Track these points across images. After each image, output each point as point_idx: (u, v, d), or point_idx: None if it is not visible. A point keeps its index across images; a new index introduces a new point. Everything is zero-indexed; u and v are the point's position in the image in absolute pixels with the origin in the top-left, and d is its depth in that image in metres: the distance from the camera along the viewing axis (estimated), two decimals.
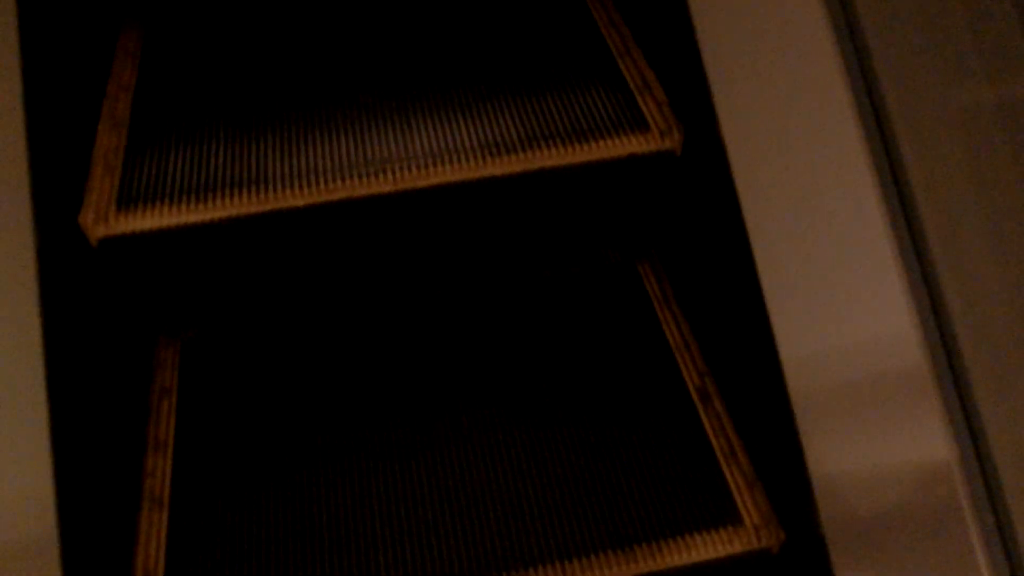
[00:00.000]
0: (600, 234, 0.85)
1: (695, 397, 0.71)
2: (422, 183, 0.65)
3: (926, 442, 0.58)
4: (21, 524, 0.55)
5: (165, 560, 0.63)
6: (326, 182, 0.65)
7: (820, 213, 0.62)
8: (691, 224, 0.78)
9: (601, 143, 0.67)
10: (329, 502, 0.65)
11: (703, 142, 0.66)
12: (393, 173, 0.65)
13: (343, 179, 0.65)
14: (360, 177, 0.65)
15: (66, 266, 0.65)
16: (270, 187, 0.65)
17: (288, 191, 0.65)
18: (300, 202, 0.64)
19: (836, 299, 0.61)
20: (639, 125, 0.68)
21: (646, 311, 0.80)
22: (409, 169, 0.65)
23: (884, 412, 0.59)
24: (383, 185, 0.65)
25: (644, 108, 0.69)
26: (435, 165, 0.65)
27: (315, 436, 0.70)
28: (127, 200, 0.65)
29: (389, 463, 0.67)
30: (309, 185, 0.65)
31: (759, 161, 0.62)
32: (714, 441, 0.68)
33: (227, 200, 0.65)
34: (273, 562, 0.62)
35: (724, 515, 0.64)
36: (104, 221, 0.64)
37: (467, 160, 0.66)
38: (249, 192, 0.65)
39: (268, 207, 0.65)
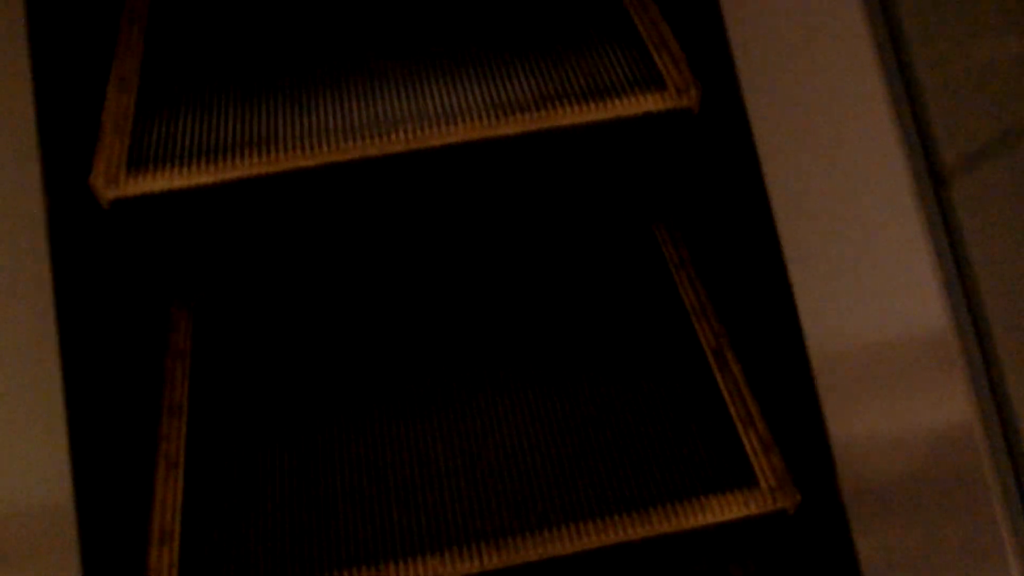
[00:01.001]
0: (616, 196, 0.83)
1: (711, 359, 0.71)
2: (435, 142, 0.64)
3: (949, 407, 0.58)
4: (37, 489, 0.56)
5: (181, 521, 0.63)
6: (337, 142, 0.64)
7: (844, 173, 0.61)
8: (709, 185, 0.77)
9: (616, 101, 0.66)
10: (343, 462, 0.65)
11: (722, 100, 0.65)
12: (405, 133, 0.64)
13: (355, 139, 0.64)
14: (372, 137, 0.64)
15: (77, 229, 0.65)
16: (281, 148, 0.64)
17: (299, 152, 0.64)
18: (311, 162, 0.64)
19: (860, 262, 0.59)
20: (655, 82, 0.67)
21: (662, 274, 0.79)
22: (422, 129, 0.64)
23: (907, 377, 0.58)
24: (395, 145, 0.64)
25: (660, 65, 0.68)
26: (448, 124, 0.64)
27: (329, 397, 0.70)
28: (137, 162, 0.64)
29: (403, 424, 0.67)
30: (320, 145, 0.64)
31: (780, 119, 0.61)
32: (730, 403, 0.68)
33: (238, 161, 0.64)
34: (288, 521, 0.62)
35: (740, 477, 0.63)
36: (115, 183, 0.63)
37: (480, 119, 0.65)
38: (260, 153, 0.64)
39: (279, 168, 0.64)
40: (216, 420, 0.69)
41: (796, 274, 0.60)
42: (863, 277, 0.59)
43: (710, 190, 0.76)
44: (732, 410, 0.67)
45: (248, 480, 0.65)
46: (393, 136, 0.64)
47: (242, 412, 0.70)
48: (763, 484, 0.63)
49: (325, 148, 0.64)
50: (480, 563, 0.60)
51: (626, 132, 0.68)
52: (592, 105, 0.65)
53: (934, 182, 0.62)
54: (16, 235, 0.60)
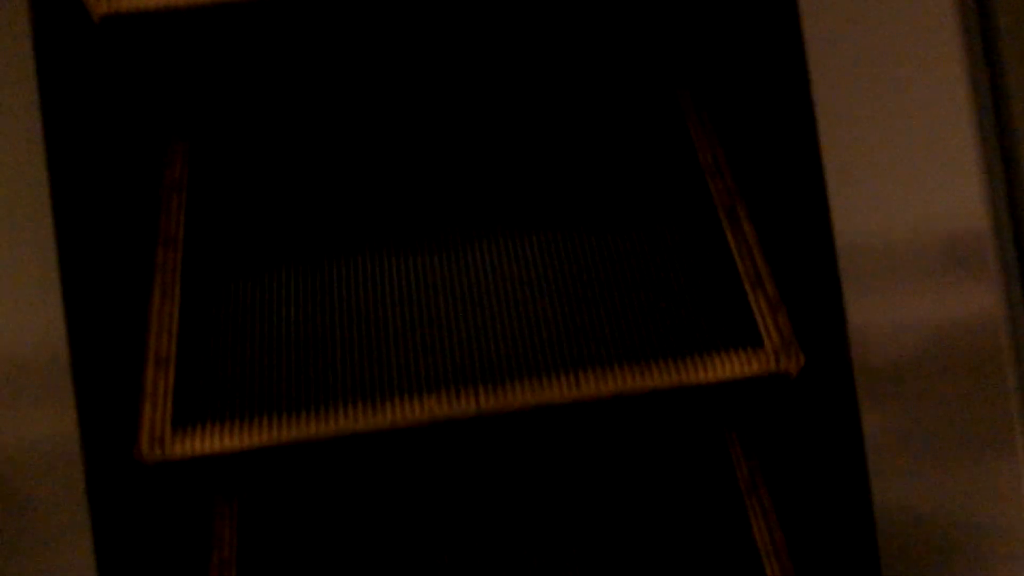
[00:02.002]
0: (640, 58, 0.79)
1: (723, 217, 0.69)
2: None
3: (975, 301, 0.55)
4: (28, 321, 0.54)
5: (177, 348, 0.63)
6: None
7: (890, 49, 0.56)
8: (741, 47, 0.72)
9: None
10: (342, 299, 0.64)
11: None
12: None
13: None
14: None
15: (67, 50, 0.62)
16: None
17: None
18: None
19: (899, 146, 0.56)
20: None
21: (680, 133, 0.76)
22: None
23: (935, 266, 0.56)
24: None
25: None
26: None
27: (329, 232, 0.68)
28: None
29: (405, 264, 0.66)
30: None
31: None
32: (739, 262, 0.66)
33: None
34: (285, 354, 0.62)
35: (744, 336, 0.62)
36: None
37: None
38: None
39: None
40: (212, 253, 0.68)
41: (829, 150, 0.57)
42: (900, 159, 0.56)
43: (742, 52, 0.72)
44: (741, 268, 0.66)
45: (245, 312, 0.64)
46: None
47: (239, 245, 0.68)
48: (767, 344, 0.62)
49: None
50: (476, 405, 0.59)
51: None
52: None
53: (989, 66, 0.58)
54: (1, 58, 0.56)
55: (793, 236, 0.63)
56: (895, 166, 0.56)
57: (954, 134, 0.56)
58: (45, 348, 0.55)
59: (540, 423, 0.69)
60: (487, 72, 0.78)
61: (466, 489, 0.70)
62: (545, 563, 0.66)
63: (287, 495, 0.70)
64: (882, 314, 0.55)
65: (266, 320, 0.63)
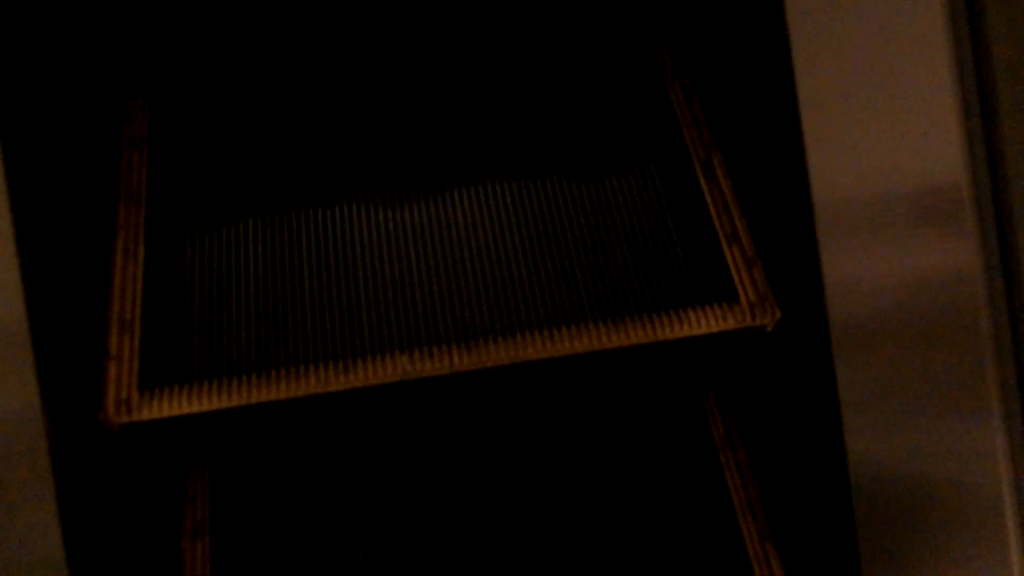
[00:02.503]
0: (619, 12, 0.77)
1: (699, 171, 0.67)
2: None
3: (953, 256, 0.55)
4: None
5: (141, 310, 0.61)
6: None
7: (868, 2, 0.55)
8: (720, 2, 0.71)
9: None
10: (312, 256, 0.63)
11: None
12: None
13: None
14: None
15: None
16: None
17: None
18: None
19: (877, 100, 0.55)
20: None
21: (657, 87, 0.74)
22: None
23: (913, 222, 0.55)
24: None
25: None
26: None
27: (298, 185, 0.66)
28: None
29: (376, 219, 0.64)
30: None
31: None
32: (715, 216, 0.65)
33: None
34: (254, 314, 0.60)
35: (720, 291, 0.62)
36: None
37: None
38: None
39: None
40: (177, 210, 0.66)
41: (807, 104, 0.55)
42: (879, 113, 0.55)
43: (722, 5, 0.71)
44: (716, 223, 0.65)
45: (212, 271, 0.62)
46: None
47: (204, 201, 0.66)
48: (743, 299, 0.61)
49: None
50: (450, 363, 0.58)
51: None
52: None
53: (969, 18, 0.56)
54: None
55: (770, 190, 0.62)
56: (873, 120, 0.55)
57: (932, 88, 0.55)
58: (3, 312, 0.53)
59: (515, 380, 0.68)
60: (462, 18, 0.76)
61: (440, 448, 0.70)
62: (521, 524, 0.66)
63: (260, 456, 0.69)
64: (859, 268, 0.55)
65: (234, 278, 0.62)
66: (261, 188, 0.66)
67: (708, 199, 0.66)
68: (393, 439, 0.70)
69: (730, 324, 0.60)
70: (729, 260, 0.63)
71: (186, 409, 0.58)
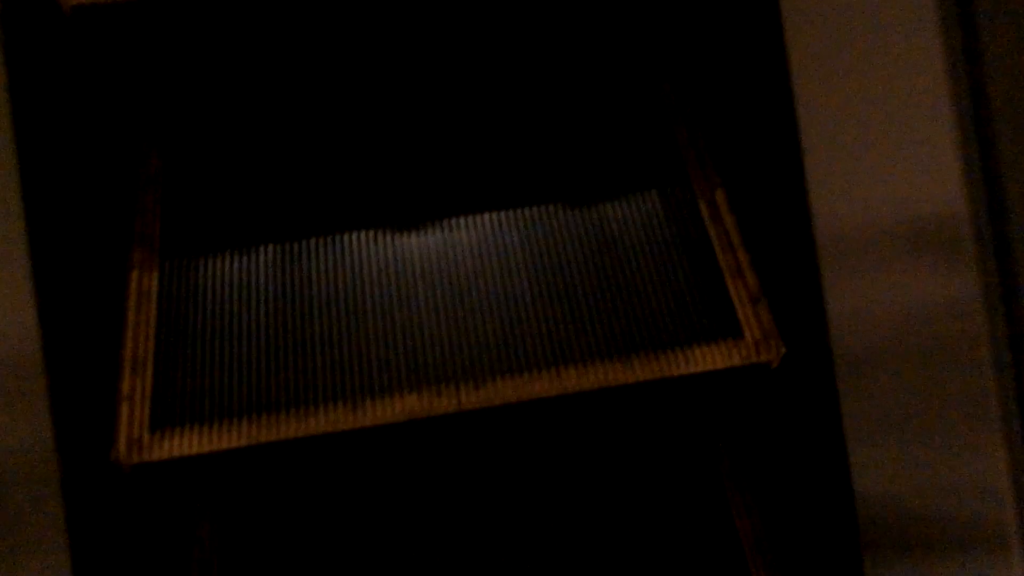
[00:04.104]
0: (626, 50, 0.79)
1: (704, 209, 0.68)
2: None
3: (954, 284, 0.55)
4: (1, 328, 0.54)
5: (154, 349, 0.62)
6: None
7: (869, 36, 0.56)
8: (723, 39, 0.72)
9: None
10: (321, 295, 0.64)
11: None
12: None
13: None
14: None
15: (37, 43, 0.61)
16: None
17: None
18: None
19: (877, 132, 0.56)
20: None
21: (662, 124, 0.75)
22: None
23: (914, 253, 0.56)
24: None
25: None
26: None
27: (306, 226, 0.67)
28: None
29: (382, 256, 0.65)
30: None
31: None
32: (719, 254, 0.66)
33: None
34: (264, 352, 0.61)
35: (725, 328, 0.62)
36: None
37: None
38: None
39: None
40: (189, 249, 0.67)
41: (808, 137, 0.56)
42: (879, 145, 0.56)
43: (726, 45, 0.72)
44: (721, 261, 0.65)
45: (222, 311, 0.63)
46: None
47: (216, 238, 0.67)
48: (748, 336, 0.62)
49: None
50: (458, 402, 0.59)
51: None
52: None
53: (967, 51, 0.57)
54: None
55: (773, 225, 0.63)
56: (873, 153, 0.56)
57: (932, 119, 0.56)
58: (18, 351, 0.54)
59: (522, 418, 0.69)
60: (475, 51, 0.77)
61: (448, 485, 0.70)
62: (530, 562, 0.66)
63: (268, 493, 0.69)
64: (861, 300, 0.55)
65: (244, 318, 0.63)
66: (270, 226, 0.67)
67: (713, 236, 0.67)
68: (401, 477, 0.70)
69: (735, 361, 0.61)
70: (734, 297, 0.63)
71: (196, 449, 0.58)
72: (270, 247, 0.66)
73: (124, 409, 0.59)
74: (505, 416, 0.61)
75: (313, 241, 0.66)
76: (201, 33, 0.70)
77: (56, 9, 0.59)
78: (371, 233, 0.67)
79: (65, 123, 0.68)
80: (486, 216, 0.67)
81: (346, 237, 0.66)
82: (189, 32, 0.69)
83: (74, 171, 0.67)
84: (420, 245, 0.66)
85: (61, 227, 0.61)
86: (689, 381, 0.62)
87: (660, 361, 0.61)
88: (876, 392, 0.55)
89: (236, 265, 0.66)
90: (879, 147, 0.56)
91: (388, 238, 0.66)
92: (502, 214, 0.67)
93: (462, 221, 0.67)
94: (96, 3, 0.59)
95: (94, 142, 0.72)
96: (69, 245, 0.62)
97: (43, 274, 0.56)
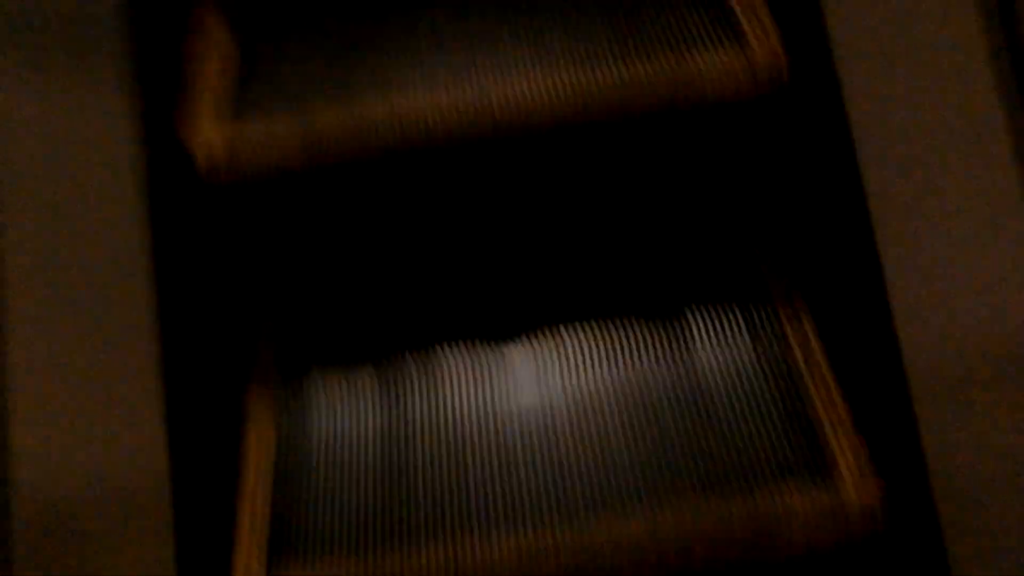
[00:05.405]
0: (718, 210, 0.82)
1: (800, 360, 0.69)
2: None
3: None
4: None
5: (272, 485, 0.65)
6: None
7: (946, 165, 0.58)
8: (803, 190, 0.76)
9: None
10: (422, 433, 0.67)
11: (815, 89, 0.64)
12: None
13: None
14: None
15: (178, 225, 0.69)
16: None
17: None
18: None
19: (957, 262, 0.57)
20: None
21: (756, 279, 0.77)
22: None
23: (1007, 382, 0.55)
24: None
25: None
26: None
27: (407, 374, 0.72)
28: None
29: (481, 395, 0.68)
30: None
31: (881, 112, 0.60)
32: (819, 404, 0.65)
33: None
34: (369, 498, 0.64)
35: (821, 472, 0.61)
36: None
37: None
38: None
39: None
40: (301, 394, 0.72)
41: (892, 273, 0.58)
42: (960, 277, 0.57)
43: (804, 194, 0.75)
44: (820, 410, 0.65)
45: (333, 446, 0.67)
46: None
47: (325, 380, 0.72)
48: (846, 482, 0.60)
49: None
50: (554, 542, 0.59)
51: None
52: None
53: None
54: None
55: (863, 364, 0.63)
56: (960, 283, 0.57)
57: (1016, 246, 0.57)
58: (148, 483, 0.59)
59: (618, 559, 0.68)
60: (583, 199, 0.80)
61: None
62: None
63: None
64: (958, 435, 0.54)
65: (351, 453, 0.66)
66: (374, 371, 0.72)
67: (811, 388, 0.67)
68: None
69: (830, 505, 0.59)
70: (833, 443, 0.63)
71: None
72: (375, 391, 0.71)
73: (242, 543, 0.63)
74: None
75: (414, 378, 0.71)
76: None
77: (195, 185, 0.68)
78: (474, 369, 0.70)
79: (196, 285, 0.75)
80: (582, 351, 0.70)
81: (449, 375, 0.70)
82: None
83: (200, 330, 0.74)
84: (517, 381, 0.69)
85: (189, 378, 0.67)
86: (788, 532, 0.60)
87: (756, 502, 0.60)
88: (982, 530, 0.52)
89: (344, 400, 0.70)
90: (965, 276, 0.57)
91: (488, 377, 0.70)
92: (598, 348, 0.70)
93: (558, 355, 0.70)
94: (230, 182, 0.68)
95: (218, 300, 0.79)
96: (195, 392, 0.68)
97: (173, 410, 0.61)
